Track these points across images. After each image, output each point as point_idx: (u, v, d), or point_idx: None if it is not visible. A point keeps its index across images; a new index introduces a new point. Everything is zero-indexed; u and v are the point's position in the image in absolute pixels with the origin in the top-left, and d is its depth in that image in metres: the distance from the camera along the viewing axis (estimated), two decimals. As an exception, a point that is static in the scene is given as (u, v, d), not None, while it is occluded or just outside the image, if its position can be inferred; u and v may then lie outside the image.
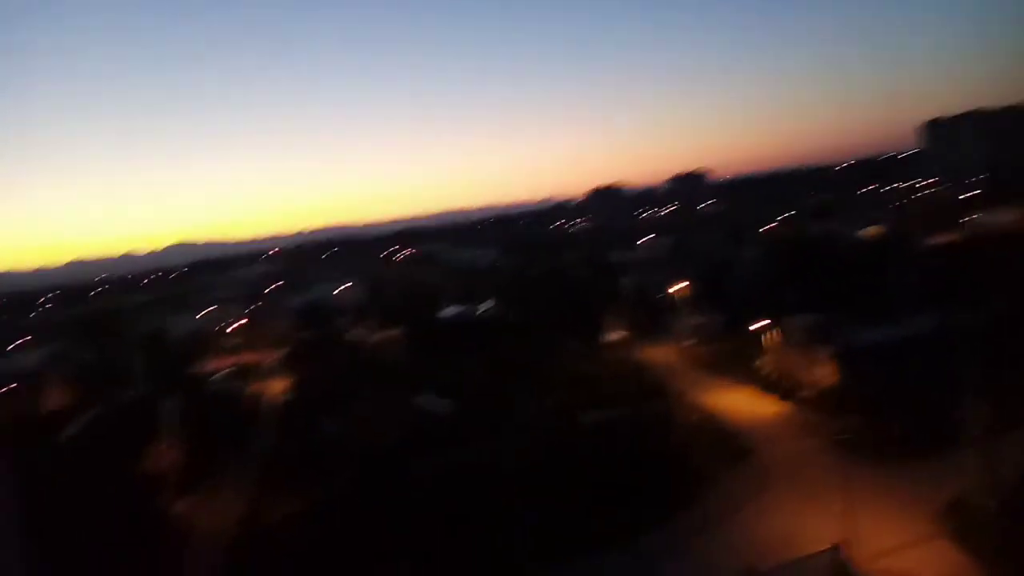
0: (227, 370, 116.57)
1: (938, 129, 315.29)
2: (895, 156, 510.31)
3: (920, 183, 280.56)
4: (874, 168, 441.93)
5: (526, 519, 42.12)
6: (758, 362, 72.70)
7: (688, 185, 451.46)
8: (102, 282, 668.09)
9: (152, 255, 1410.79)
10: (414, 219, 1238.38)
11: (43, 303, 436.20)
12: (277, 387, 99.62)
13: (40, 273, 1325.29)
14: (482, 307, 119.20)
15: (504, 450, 43.37)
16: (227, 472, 66.28)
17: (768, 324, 72.13)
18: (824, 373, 62.25)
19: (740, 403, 66.15)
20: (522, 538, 41.54)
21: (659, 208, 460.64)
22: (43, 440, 64.11)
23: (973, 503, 38.60)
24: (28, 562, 38.82)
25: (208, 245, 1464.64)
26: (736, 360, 76.78)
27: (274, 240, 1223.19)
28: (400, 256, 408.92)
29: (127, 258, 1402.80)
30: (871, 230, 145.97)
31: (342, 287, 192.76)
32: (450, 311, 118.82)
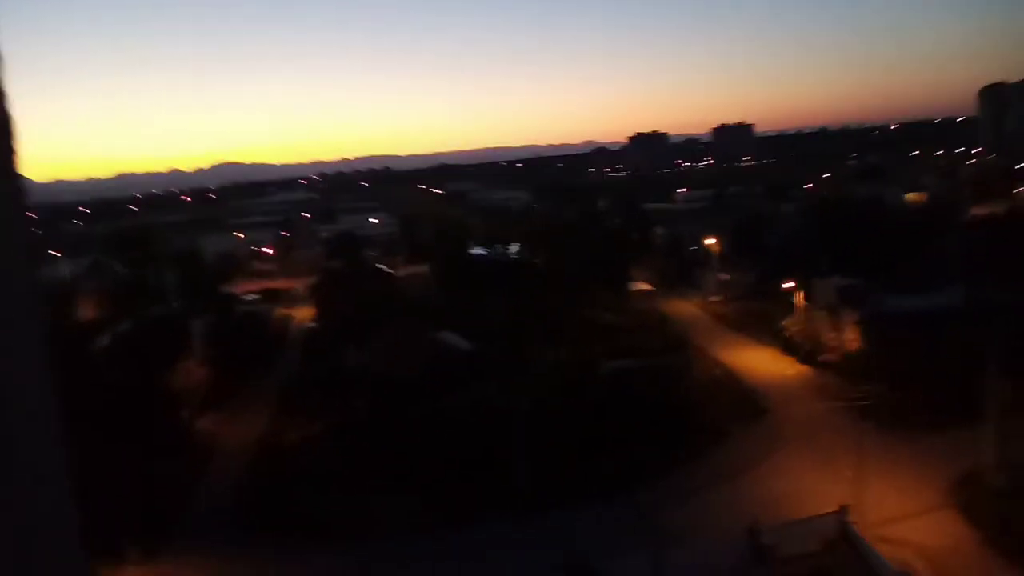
0: (257, 293, 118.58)
1: (995, 95, 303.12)
2: (951, 120, 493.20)
3: (974, 151, 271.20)
4: (927, 132, 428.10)
5: (534, 461, 42.74)
6: (784, 322, 72.00)
7: (731, 137, 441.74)
8: (147, 196, 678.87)
9: (199, 173, 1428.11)
10: (454, 154, 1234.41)
11: (88, 214, 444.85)
12: (304, 313, 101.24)
13: (91, 183, 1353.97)
14: (512, 249, 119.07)
15: (521, 392, 43.74)
16: (251, 392, 68.05)
17: (799, 285, 71.17)
18: (849, 338, 61.54)
19: (762, 362, 65.82)
20: (527, 480, 42.26)
21: (700, 159, 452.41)
22: (73, 349, 65.93)
23: (983, 478, 38.32)
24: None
25: (253, 166, 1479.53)
26: (763, 319, 76.15)
27: (316, 166, 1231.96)
28: (436, 192, 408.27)
29: (175, 174, 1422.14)
30: (917, 196, 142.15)
31: (375, 218, 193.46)
32: (479, 251, 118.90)
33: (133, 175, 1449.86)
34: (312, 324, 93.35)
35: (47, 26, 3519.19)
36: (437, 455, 45.17)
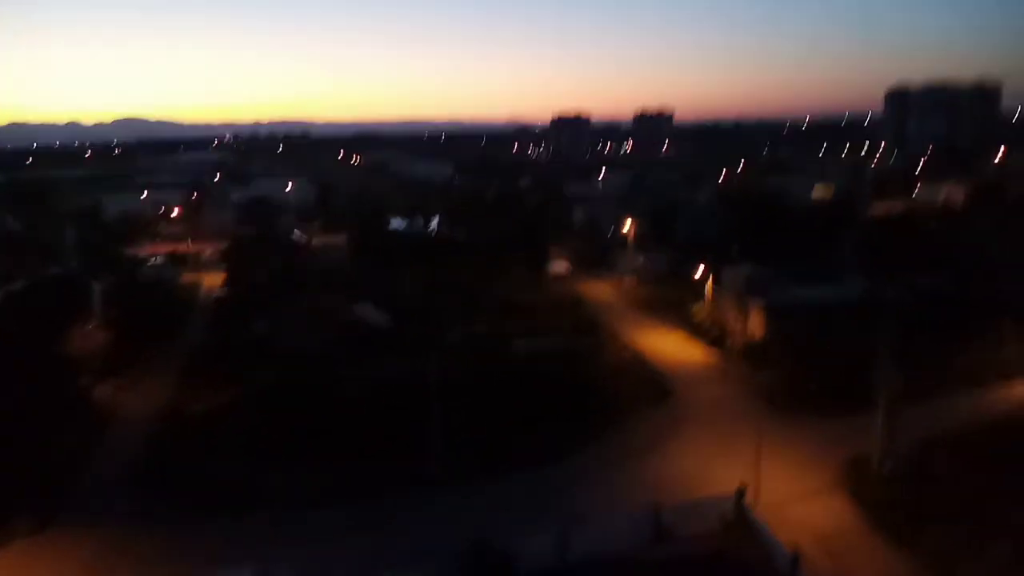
0: (162, 257, 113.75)
1: (899, 97, 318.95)
2: (859, 118, 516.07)
3: (878, 150, 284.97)
4: (837, 129, 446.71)
5: (445, 437, 42.80)
6: (694, 307, 74.19)
7: (651, 124, 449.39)
8: (43, 149, 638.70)
9: (99, 127, 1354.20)
10: (375, 123, 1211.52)
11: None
12: (213, 280, 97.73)
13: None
14: (431, 223, 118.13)
15: (432, 367, 43.58)
16: (154, 360, 65.37)
17: (709, 271, 73.38)
18: (755, 324, 63.98)
19: (670, 345, 67.71)
20: (436, 456, 42.31)
21: (620, 143, 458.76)
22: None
23: (871, 463, 40.68)
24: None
25: (160, 123, 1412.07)
26: (674, 303, 78.12)
27: (229, 127, 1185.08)
28: (354, 160, 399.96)
29: (73, 127, 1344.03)
30: (824, 190, 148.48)
31: (291, 185, 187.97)
32: (397, 223, 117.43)
33: (26, 124, 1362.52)
34: (221, 291, 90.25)
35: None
36: (345, 428, 44.61)
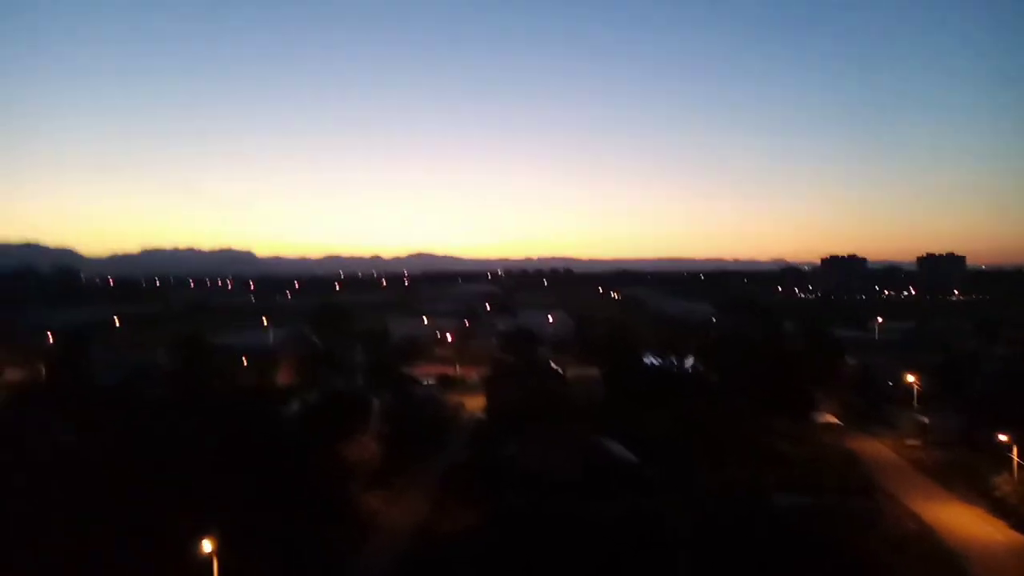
0: (433, 378, 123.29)
1: None
2: None
3: None
4: None
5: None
6: (996, 479, 63.64)
7: (938, 267, 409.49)
8: (350, 278, 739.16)
9: (396, 260, 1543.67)
10: (635, 261, 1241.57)
11: (298, 289, 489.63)
12: (476, 402, 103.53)
13: (303, 262, 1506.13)
14: (687, 362, 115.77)
15: (683, 513, 41.51)
16: (418, 473, 69.82)
17: (1014, 438, 63.01)
18: (1078, 509, 53.13)
19: (963, 522, 58.10)
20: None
21: (901, 288, 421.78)
22: (264, 411, 71.32)
23: None
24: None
25: (445, 258, 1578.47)
26: (967, 472, 67.92)
27: (502, 262, 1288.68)
28: (613, 296, 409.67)
29: (375, 260, 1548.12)
30: None
31: (552, 316, 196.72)
32: (653, 360, 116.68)
33: (339, 258, 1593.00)
34: (481, 413, 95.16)
35: (264, 121, 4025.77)
36: (583, 561, 43.51)
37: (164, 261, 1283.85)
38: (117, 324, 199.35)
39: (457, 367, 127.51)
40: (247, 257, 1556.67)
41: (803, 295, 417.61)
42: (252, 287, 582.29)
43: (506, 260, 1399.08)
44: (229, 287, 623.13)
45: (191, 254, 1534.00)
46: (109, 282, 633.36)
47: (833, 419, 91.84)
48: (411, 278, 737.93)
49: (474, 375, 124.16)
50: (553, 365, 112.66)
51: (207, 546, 38.29)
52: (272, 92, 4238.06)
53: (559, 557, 44.50)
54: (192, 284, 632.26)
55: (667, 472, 59.60)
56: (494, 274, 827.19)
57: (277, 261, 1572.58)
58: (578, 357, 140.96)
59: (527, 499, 53.83)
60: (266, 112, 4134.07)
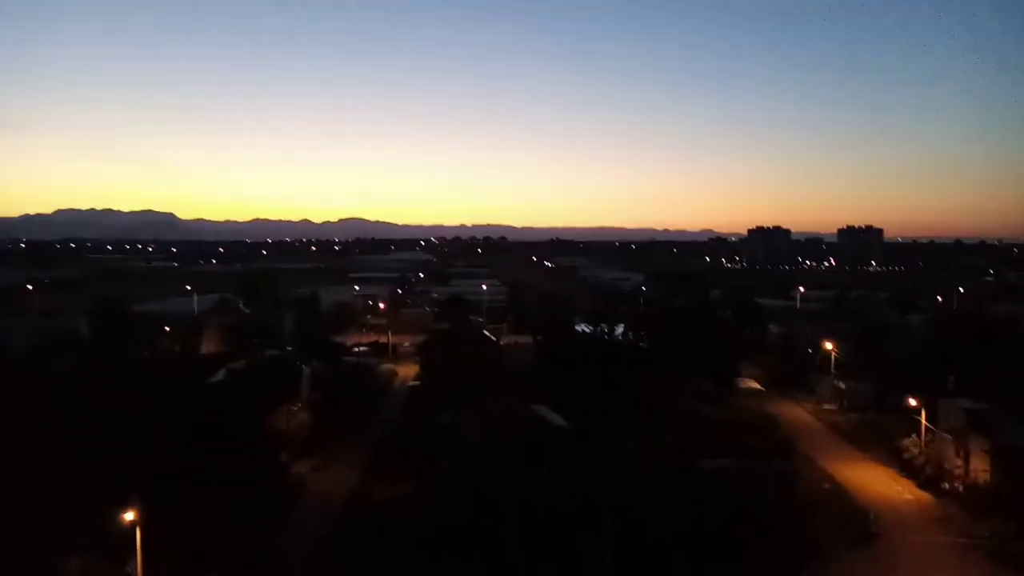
0: (366, 346, 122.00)
1: None
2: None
3: None
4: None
5: (614, 550, 40.83)
6: (904, 441, 67.12)
7: (857, 240, 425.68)
8: (278, 243, 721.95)
9: (326, 225, 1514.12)
10: (569, 229, 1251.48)
11: (224, 254, 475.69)
12: (409, 370, 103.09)
13: (229, 225, 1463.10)
14: (618, 330, 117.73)
15: (611, 479, 42.26)
16: (349, 443, 69.12)
17: (922, 403, 66.43)
18: (977, 467, 56.53)
19: (875, 481, 61.20)
20: (604, 570, 40.32)
21: (822, 259, 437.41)
22: (187, 381, 69.45)
23: None
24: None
25: (377, 224, 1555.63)
26: (880, 434, 71.45)
27: (436, 229, 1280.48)
28: (547, 264, 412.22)
29: (305, 224, 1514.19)
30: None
31: (486, 284, 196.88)
32: (584, 328, 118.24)
33: (267, 221, 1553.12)
34: (415, 382, 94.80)
35: (202, 76, 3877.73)
36: (515, 529, 44.01)
37: (80, 223, 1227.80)
38: (29, 289, 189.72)
39: (390, 335, 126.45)
40: (169, 219, 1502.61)
41: (730, 265, 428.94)
42: (175, 251, 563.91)
43: (441, 227, 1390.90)
44: (150, 251, 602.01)
45: (109, 216, 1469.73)
46: (21, 244, 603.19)
47: (757, 385, 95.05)
48: (342, 244, 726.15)
49: (407, 343, 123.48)
50: (487, 333, 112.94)
51: (129, 516, 37.14)
52: (196, 48, 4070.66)
53: (491, 525, 44.82)
54: (110, 248, 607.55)
55: (598, 438, 60.60)
56: (428, 241, 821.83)
57: (201, 224, 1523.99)
58: (512, 325, 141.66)
59: (461, 467, 53.96)
60: (189, 69, 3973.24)
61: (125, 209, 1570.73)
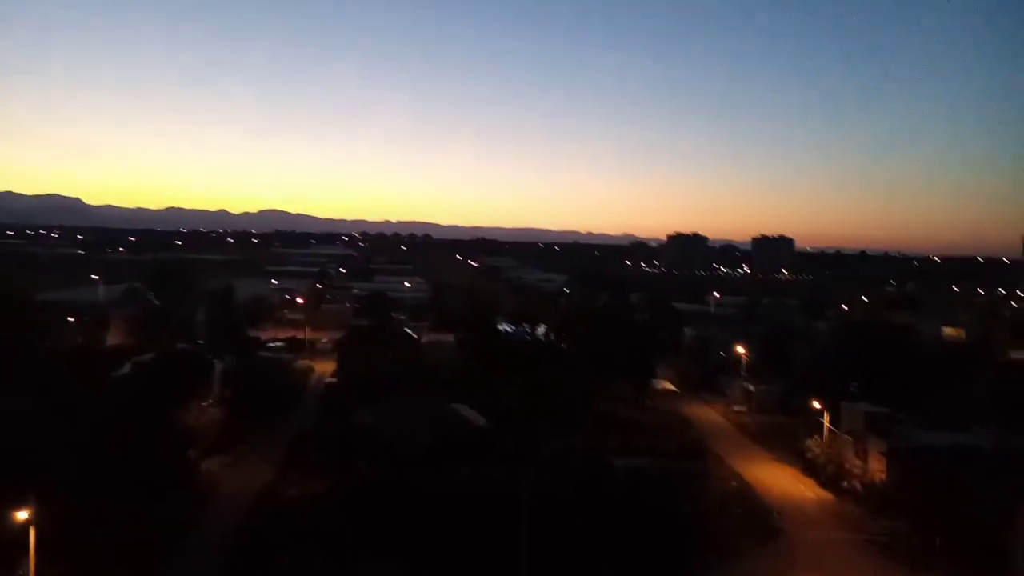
0: (283, 341, 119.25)
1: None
2: (996, 260, 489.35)
3: (1015, 297, 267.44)
4: (970, 269, 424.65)
5: (530, 551, 41.24)
6: (808, 442, 70.12)
7: (770, 248, 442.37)
8: (193, 233, 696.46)
9: (245, 215, 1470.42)
10: (494, 229, 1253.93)
11: (135, 242, 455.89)
12: (327, 367, 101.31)
13: (140, 212, 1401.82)
14: (539, 330, 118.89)
15: (529, 477, 42.57)
16: (262, 440, 67.44)
17: (825, 405, 69.59)
18: (874, 467, 59.61)
19: (780, 480, 63.80)
20: (522, 569, 40.70)
21: (736, 265, 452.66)
22: (91, 374, 66.42)
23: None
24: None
25: (298, 216, 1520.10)
26: (786, 435, 74.39)
27: (359, 224, 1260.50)
28: (471, 263, 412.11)
29: (222, 214, 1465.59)
30: (953, 331, 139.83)
31: (409, 281, 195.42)
32: (507, 328, 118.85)
33: (181, 210, 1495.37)
34: (332, 379, 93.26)
35: (110, 52, 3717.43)
36: (432, 529, 43.91)
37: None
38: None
39: (308, 331, 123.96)
40: (75, 204, 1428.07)
41: (650, 269, 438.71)
42: (80, 238, 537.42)
43: (363, 221, 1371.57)
44: (55, 237, 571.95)
45: (10, 199, 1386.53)
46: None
47: (671, 386, 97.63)
48: (260, 236, 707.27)
49: (326, 340, 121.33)
50: (408, 331, 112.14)
51: (22, 515, 35.24)
52: (109, 26, 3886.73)
53: (405, 526, 44.54)
54: (11, 233, 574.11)
55: (517, 437, 60.99)
56: (350, 236, 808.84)
57: (110, 211, 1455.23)
58: (434, 323, 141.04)
59: (378, 467, 53.39)
60: (101, 46, 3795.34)
61: (28, 192, 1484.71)
